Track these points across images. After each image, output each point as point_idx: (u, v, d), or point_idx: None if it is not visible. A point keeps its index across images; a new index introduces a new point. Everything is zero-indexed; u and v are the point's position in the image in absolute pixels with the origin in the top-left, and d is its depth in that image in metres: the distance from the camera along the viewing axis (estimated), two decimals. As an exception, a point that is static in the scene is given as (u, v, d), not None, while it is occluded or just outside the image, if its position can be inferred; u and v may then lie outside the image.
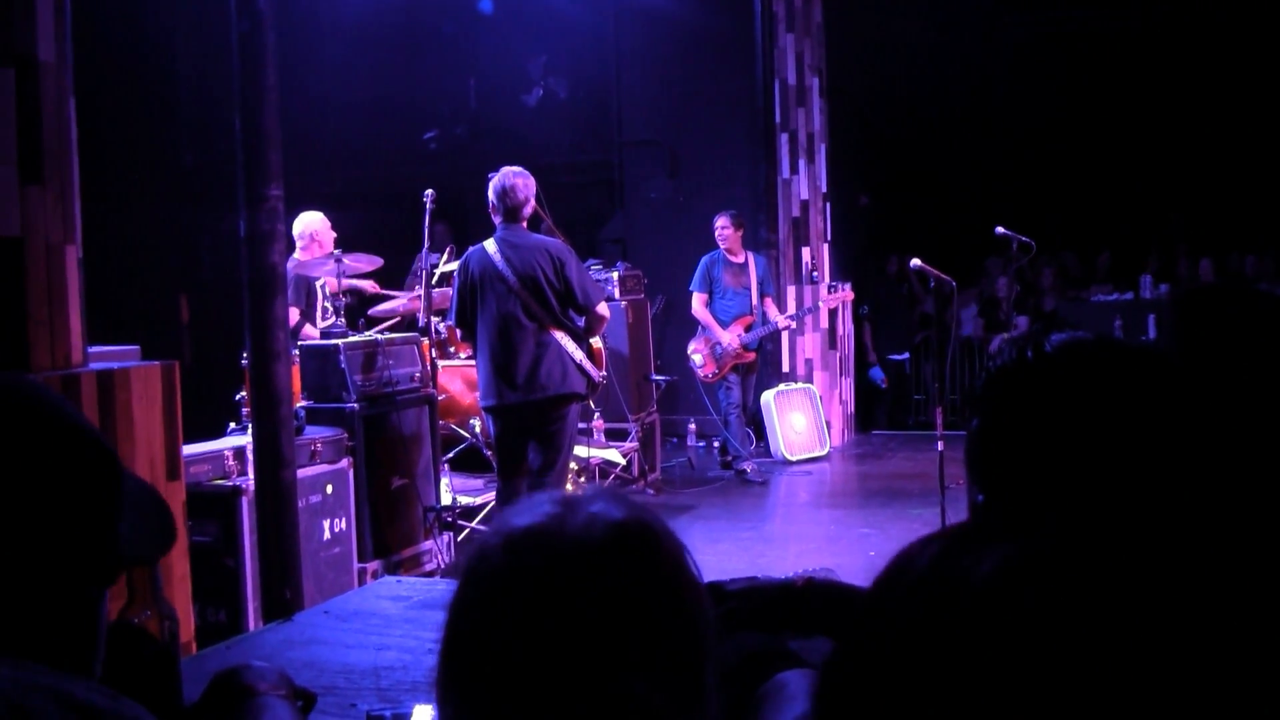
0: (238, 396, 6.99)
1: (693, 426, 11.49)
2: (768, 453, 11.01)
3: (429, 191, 7.38)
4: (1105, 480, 1.31)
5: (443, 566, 7.10)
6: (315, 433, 6.42)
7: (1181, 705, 0.72)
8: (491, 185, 6.73)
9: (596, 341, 7.28)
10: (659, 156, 12.85)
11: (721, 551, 7.73)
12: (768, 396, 10.99)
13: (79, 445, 1.35)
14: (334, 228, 8.07)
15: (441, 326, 7.79)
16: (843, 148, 12.53)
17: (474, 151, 12.87)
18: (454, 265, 7.24)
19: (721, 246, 10.30)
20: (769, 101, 11.70)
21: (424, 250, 7.53)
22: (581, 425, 7.61)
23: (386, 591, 3.21)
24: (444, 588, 3.35)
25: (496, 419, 6.77)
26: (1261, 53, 13.04)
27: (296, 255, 7.85)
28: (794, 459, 10.93)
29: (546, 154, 12.29)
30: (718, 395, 10.40)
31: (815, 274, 11.83)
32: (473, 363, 7.21)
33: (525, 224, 6.77)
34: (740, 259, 10.32)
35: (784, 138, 11.77)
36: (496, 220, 6.73)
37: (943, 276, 7.96)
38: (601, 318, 6.90)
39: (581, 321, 6.81)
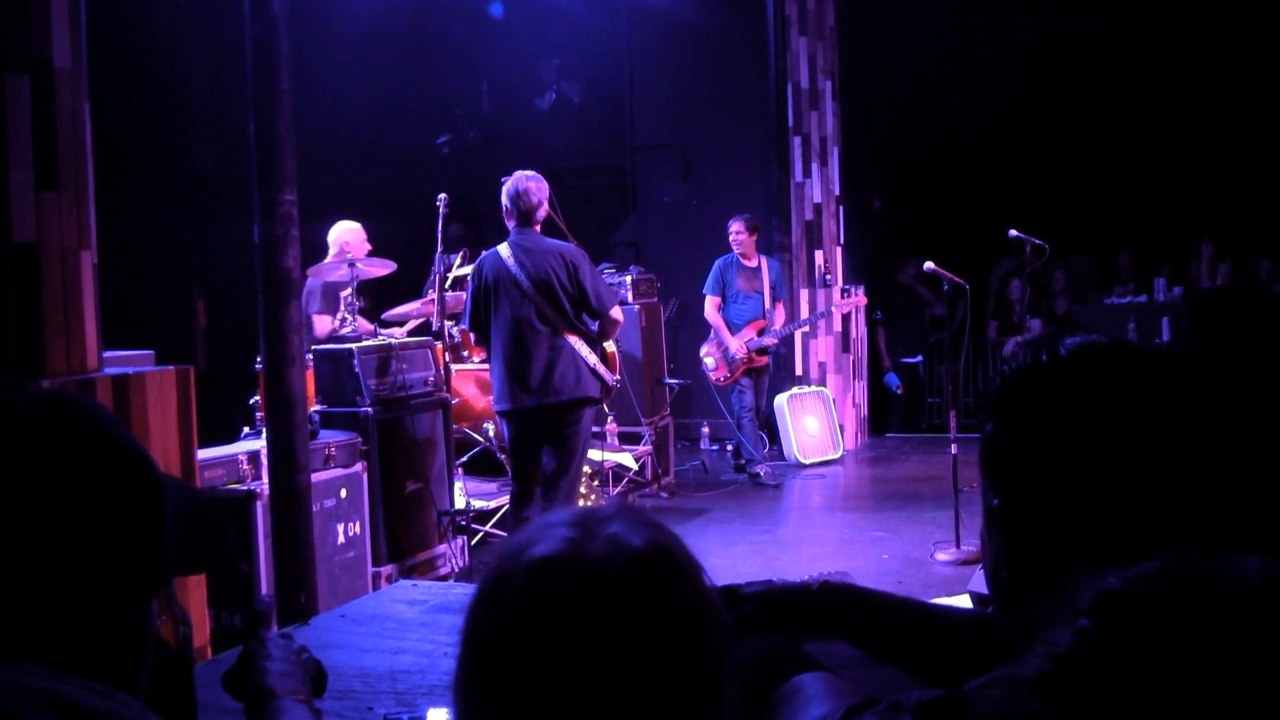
0: (252, 401, 7.01)
1: (706, 430, 11.49)
2: (781, 456, 11.00)
3: (442, 196, 7.38)
4: (1121, 484, 1.31)
5: (457, 570, 7.11)
6: (329, 437, 6.43)
7: None
8: (505, 189, 6.74)
9: (610, 345, 7.28)
10: (672, 160, 12.85)
11: (736, 555, 7.73)
12: (781, 400, 10.98)
13: (124, 460, 1.36)
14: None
15: (455, 331, 7.80)
16: (856, 151, 12.51)
17: (487, 156, 12.87)
18: (468, 269, 7.24)
19: (735, 251, 10.30)
20: (782, 105, 11.69)
21: (438, 254, 7.54)
22: (595, 429, 7.61)
23: (402, 595, 3.21)
24: (459, 591, 3.36)
25: (510, 423, 6.77)
26: (1275, 54, 12.99)
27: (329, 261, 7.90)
28: (807, 462, 10.92)
29: (559, 158, 12.30)
30: (730, 399, 10.40)
31: (828, 277, 11.82)
32: (486, 366, 7.22)
33: (539, 228, 6.77)
34: (754, 263, 10.32)
35: (797, 141, 11.76)
36: (510, 224, 6.74)
37: (955, 279, 7.96)
38: (615, 322, 6.90)
39: (595, 325, 6.81)
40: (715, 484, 10.26)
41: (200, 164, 10.86)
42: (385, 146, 12.23)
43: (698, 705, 1.16)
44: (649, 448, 9.59)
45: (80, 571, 1.29)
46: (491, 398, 6.94)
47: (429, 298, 7.87)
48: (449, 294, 7.82)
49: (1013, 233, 8.02)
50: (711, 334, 10.38)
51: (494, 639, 1.17)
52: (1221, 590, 1.15)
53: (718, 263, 10.38)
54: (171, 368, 4.88)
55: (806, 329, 11.31)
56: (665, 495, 9.65)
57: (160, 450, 4.68)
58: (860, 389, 12.29)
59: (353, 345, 6.85)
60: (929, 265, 8.13)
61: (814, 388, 11.43)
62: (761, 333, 10.22)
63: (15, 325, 4.38)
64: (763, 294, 10.29)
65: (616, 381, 7.13)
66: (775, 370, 11.05)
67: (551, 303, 6.59)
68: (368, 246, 8.03)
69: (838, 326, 11.85)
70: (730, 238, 10.29)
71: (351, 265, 7.30)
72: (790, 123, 11.74)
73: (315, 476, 5.84)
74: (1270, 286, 12.17)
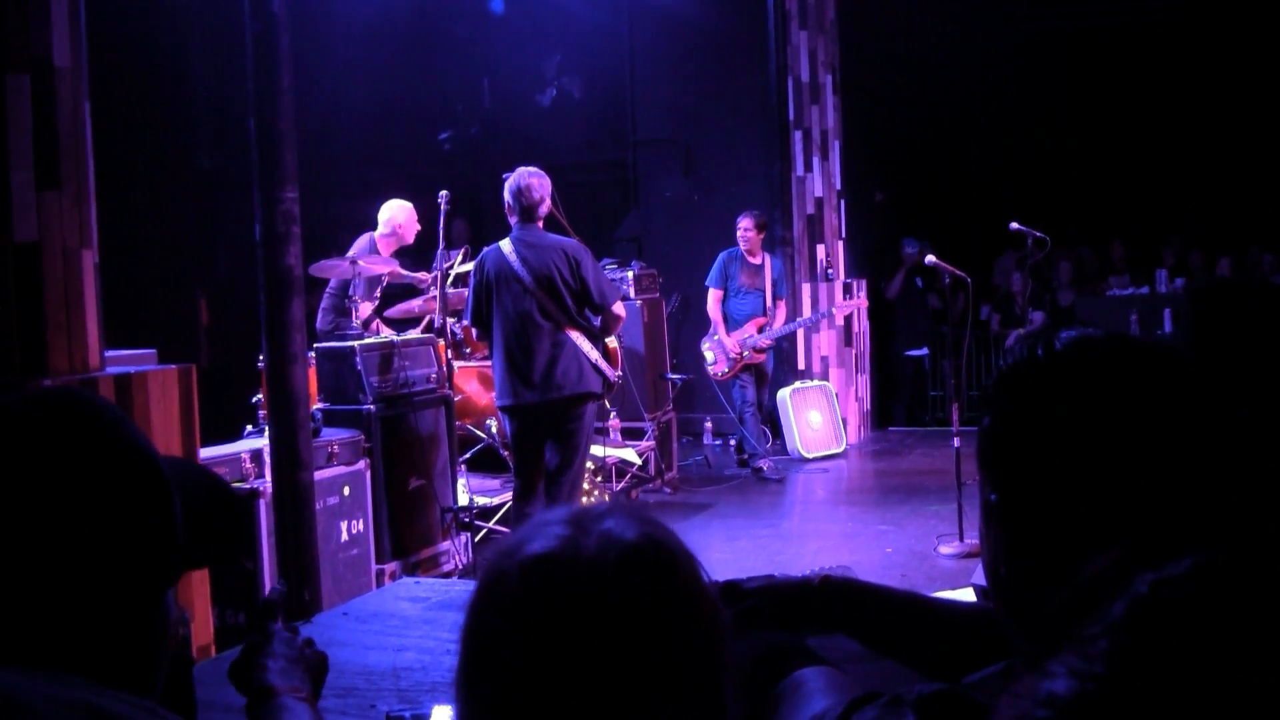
0: (255, 399, 7.01)
1: (709, 424, 11.49)
2: (784, 450, 11.00)
3: (444, 192, 7.38)
4: (1119, 477, 1.31)
5: (460, 567, 7.12)
6: (332, 434, 6.44)
7: None
8: (507, 185, 6.73)
9: (612, 341, 7.28)
10: (673, 155, 12.84)
11: (739, 549, 7.73)
12: (784, 394, 10.97)
13: (130, 454, 1.36)
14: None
15: (458, 327, 7.80)
16: (857, 144, 12.50)
17: (488, 151, 12.88)
18: (469, 265, 7.24)
19: (742, 247, 10.29)
20: (783, 99, 11.68)
21: (440, 250, 7.54)
22: (598, 424, 7.61)
23: (405, 593, 3.22)
24: (462, 588, 3.36)
25: (513, 419, 6.77)
26: (1277, 48, 12.98)
27: (375, 236, 8.06)
28: (810, 456, 10.91)
29: (561, 153, 12.29)
30: (733, 393, 10.40)
31: (830, 271, 11.81)
32: (489, 363, 7.21)
33: (541, 223, 6.77)
34: (758, 260, 10.32)
35: (798, 135, 11.76)
36: (512, 220, 6.73)
37: (957, 272, 7.95)
38: (618, 317, 6.89)
39: (597, 321, 6.80)
40: (718, 479, 10.26)
41: (201, 162, 10.87)
42: (387, 142, 12.24)
43: (695, 696, 1.17)
44: (652, 443, 9.58)
45: (93, 565, 1.30)
46: (494, 393, 6.94)
47: (431, 295, 7.88)
48: (451, 290, 7.82)
49: (1014, 225, 8.02)
50: (711, 328, 10.38)
51: (492, 637, 1.18)
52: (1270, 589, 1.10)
53: (721, 255, 10.37)
54: (174, 366, 4.88)
55: (807, 327, 11.31)
56: (668, 490, 9.65)
57: (162, 449, 4.65)
58: (863, 383, 12.28)
59: (355, 343, 6.85)
60: (931, 258, 8.13)
61: (817, 382, 11.42)
62: (761, 330, 10.22)
63: (17, 325, 4.39)
64: (764, 291, 10.29)
65: (619, 377, 7.13)
66: (778, 365, 11.05)
67: (553, 298, 6.59)
68: (417, 227, 8.15)
69: (840, 320, 11.83)
70: (739, 234, 10.28)
71: (353, 264, 7.32)
72: (791, 117, 11.73)
73: (318, 474, 5.84)
74: (1272, 278, 12.17)
